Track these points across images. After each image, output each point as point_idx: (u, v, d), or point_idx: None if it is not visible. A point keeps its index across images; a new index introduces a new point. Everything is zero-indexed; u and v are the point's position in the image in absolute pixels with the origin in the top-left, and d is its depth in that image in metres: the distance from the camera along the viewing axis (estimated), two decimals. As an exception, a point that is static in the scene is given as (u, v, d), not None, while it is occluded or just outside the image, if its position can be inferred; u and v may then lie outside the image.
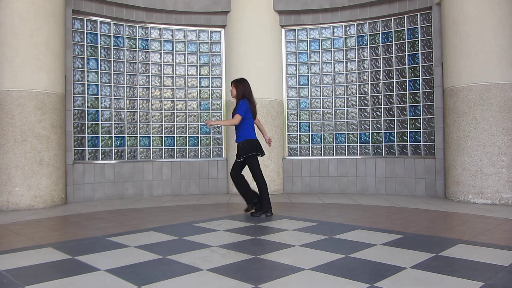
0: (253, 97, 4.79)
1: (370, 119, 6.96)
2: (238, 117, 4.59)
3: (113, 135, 6.73)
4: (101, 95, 6.65)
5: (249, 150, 4.62)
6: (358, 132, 7.05)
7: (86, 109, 6.51)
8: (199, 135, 7.31)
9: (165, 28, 7.21)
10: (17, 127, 5.46)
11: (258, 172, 4.67)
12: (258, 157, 4.70)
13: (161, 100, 7.15)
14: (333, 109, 7.20)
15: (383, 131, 6.85)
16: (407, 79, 6.66)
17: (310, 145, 7.30)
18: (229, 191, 7.12)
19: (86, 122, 6.49)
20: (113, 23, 6.81)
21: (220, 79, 7.41)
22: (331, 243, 3.28)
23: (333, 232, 3.71)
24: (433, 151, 6.37)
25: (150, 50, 7.11)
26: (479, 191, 5.50)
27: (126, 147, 6.84)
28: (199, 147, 7.30)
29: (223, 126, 7.31)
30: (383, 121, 6.85)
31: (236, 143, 4.76)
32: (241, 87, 4.75)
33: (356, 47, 7.11)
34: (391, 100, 6.81)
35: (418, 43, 6.56)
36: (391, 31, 6.81)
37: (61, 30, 5.93)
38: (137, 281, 2.37)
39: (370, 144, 6.95)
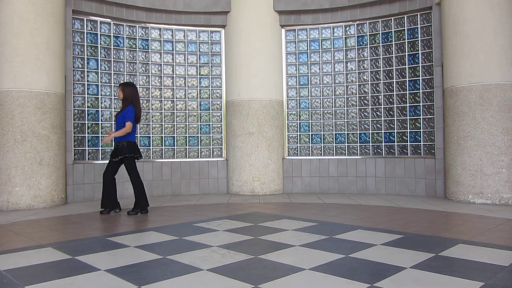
0: (139, 102, 5.06)
1: (370, 119, 6.96)
2: (130, 125, 4.86)
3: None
4: (101, 95, 6.65)
5: (127, 151, 4.90)
6: (358, 132, 7.05)
7: (86, 109, 6.51)
8: (199, 135, 7.31)
9: (165, 28, 7.20)
10: (17, 127, 5.45)
11: (134, 172, 4.96)
12: (136, 159, 5.02)
13: (161, 100, 7.15)
14: (333, 109, 7.20)
15: (383, 131, 6.85)
16: (407, 79, 6.66)
17: (310, 145, 7.30)
18: (229, 191, 7.12)
19: (86, 122, 6.49)
20: (113, 23, 6.81)
21: (220, 79, 7.41)
22: (331, 243, 3.28)
23: (333, 232, 3.71)
24: (433, 151, 6.37)
25: (150, 50, 7.11)
26: (479, 191, 5.50)
27: (126, 147, 6.83)
28: (199, 147, 7.30)
29: (223, 126, 7.32)
30: (383, 121, 6.85)
31: (116, 142, 4.96)
32: (129, 91, 4.98)
33: (356, 47, 7.10)
34: (391, 100, 6.81)
35: (418, 43, 6.56)
36: (391, 31, 6.81)
37: (61, 30, 5.93)
38: (137, 281, 2.37)
39: (370, 144, 6.95)
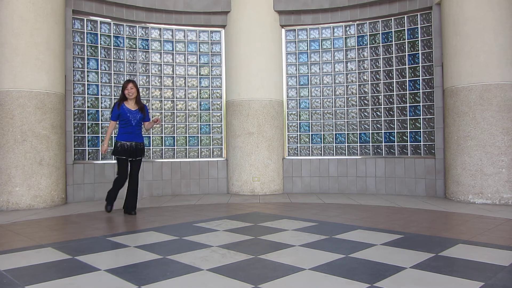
0: None
1: (370, 119, 6.96)
2: None
3: (113, 135, 6.72)
4: (101, 95, 6.65)
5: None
6: (358, 132, 7.05)
7: (86, 109, 6.51)
8: (199, 135, 7.31)
9: (165, 28, 7.20)
10: (17, 127, 5.45)
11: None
12: None
13: (161, 100, 7.15)
14: (333, 109, 7.20)
15: (383, 131, 6.85)
16: (407, 79, 6.66)
17: (310, 145, 7.30)
18: (229, 191, 7.12)
19: (86, 122, 6.49)
20: (113, 23, 6.81)
21: (220, 79, 7.41)
22: (331, 243, 3.28)
23: (333, 232, 3.71)
24: (433, 151, 6.37)
25: (150, 50, 7.11)
26: (479, 191, 5.50)
27: (126, 147, 6.83)
28: (199, 147, 7.30)
29: (223, 126, 7.33)
30: (383, 121, 6.85)
31: (138, 142, 5.03)
32: (137, 88, 5.09)
33: (356, 47, 7.10)
34: (391, 100, 6.81)
35: (418, 43, 6.56)
36: (391, 31, 6.81)
37: (61, 30, 5.93)
38: (137, 281, 2.37)
39: (370, 144, 6.95)
